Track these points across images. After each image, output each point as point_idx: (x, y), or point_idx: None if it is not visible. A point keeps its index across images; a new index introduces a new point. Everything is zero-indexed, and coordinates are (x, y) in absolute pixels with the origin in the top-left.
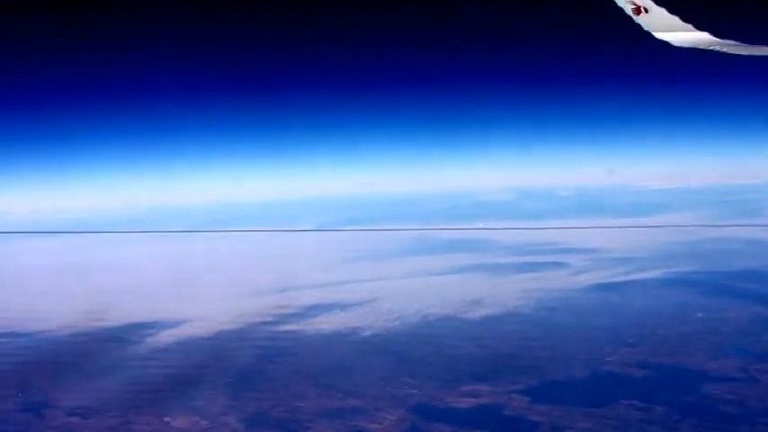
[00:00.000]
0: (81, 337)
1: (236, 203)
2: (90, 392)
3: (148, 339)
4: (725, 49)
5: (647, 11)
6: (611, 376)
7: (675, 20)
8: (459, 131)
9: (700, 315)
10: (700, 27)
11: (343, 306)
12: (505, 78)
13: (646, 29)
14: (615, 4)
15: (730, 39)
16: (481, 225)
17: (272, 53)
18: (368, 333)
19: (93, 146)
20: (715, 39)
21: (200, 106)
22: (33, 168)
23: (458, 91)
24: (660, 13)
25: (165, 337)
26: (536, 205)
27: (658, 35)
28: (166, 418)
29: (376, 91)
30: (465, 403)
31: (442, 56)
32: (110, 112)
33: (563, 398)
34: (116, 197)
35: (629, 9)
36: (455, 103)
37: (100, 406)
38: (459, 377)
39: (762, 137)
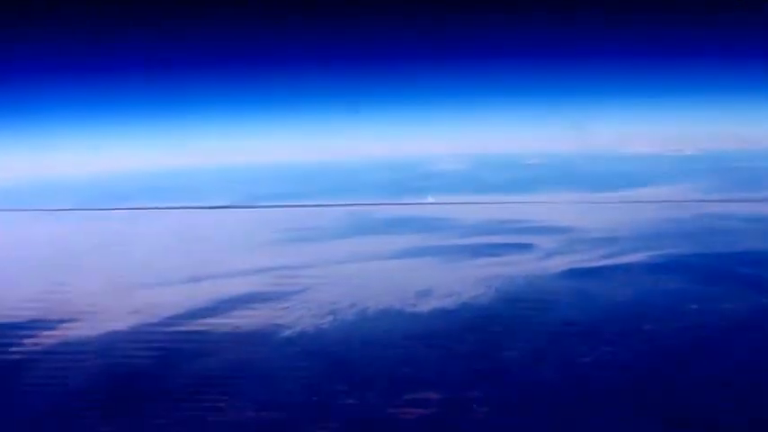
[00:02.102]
0: None
1: (133, 175)
2: None
3: (27, 342)
4: None
5: None
6: (586, 381)
7: None
8: (402, 87)
9: (694, 307)
10: None
11: (264, 298)
12: (458, 22)
13: None
14: None
15: None
16: (431, 200)
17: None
18: (294, 331)
19: None
20: None
21: (88, 65)
22: None
23: (400, 38)
24: None
25: (46, 338)
26: (497, 176)
27: None
28: None
29: (305, 43)
30: (411, 414)
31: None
32: None
33: (528, 408)
34: None
35: None
36: (397, 53)
37: None
38: (404, 383)
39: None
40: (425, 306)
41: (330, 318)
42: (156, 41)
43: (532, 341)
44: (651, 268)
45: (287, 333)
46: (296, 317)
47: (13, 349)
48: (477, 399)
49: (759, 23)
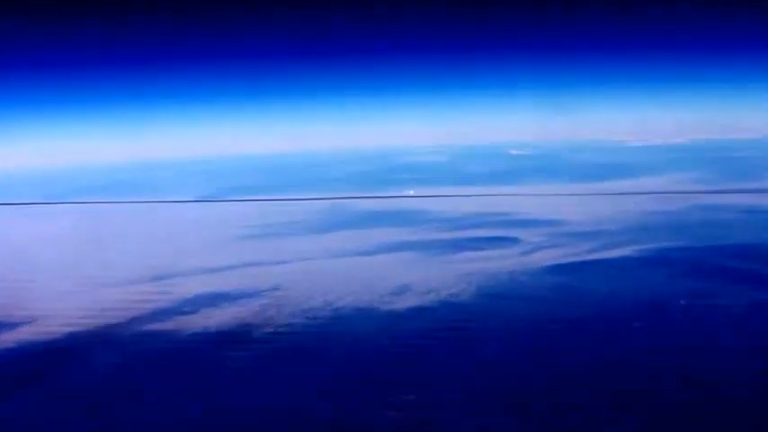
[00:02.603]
0: None
1: (96, 168)
2: None
3: None
4: None
5: None
6: (571, 381)
7: None
8: (380, 74)
9: (683, 303)
10: None
11: (233, 297)
12: (438, 8)
13: None
14: None
15: None
16: (411, 192)
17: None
18: (265, 332)
19: None
20: None
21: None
22: None
23: (377, 24)
24: None
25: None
26: (480, 167)
27: None
28: None
29: (279, 32)
30: (388, 418)
31: None
32: None
33: (509, 410)
34: None
35: None
36: (374, 40)
37: None
38: (380, 385)
39: (761, 84)
40: (402, 304)
41: (303, 318)
42: (116, 31)
43: (516, 340)
44: (640, 263)
45: (258, 333)
46: (266, 317)
47: None
48: (456, 400)
49: (750, 11)
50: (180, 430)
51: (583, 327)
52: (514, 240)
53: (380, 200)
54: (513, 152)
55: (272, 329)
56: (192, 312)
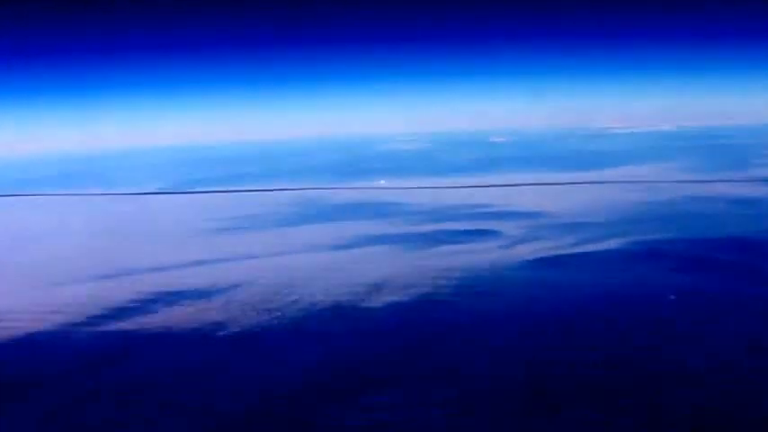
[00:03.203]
0: None
1: (46, 159)
2: None
3: None
4: None
5: None
6: (554, 380)
7: None
8: (352, 58)
9: (672, 298)
10: None
11: (198, 294)
12: None
13: None
14: None
15: None
16: (384, 183)
17: None
18: (231, 330)
19: None
20: None
21: None
22: None
23: (353, 7)
24: None
25: None
26: (459, 156)
27: None
28: None
29: (246, 14)
30: (362, 420)
31: None
32: None
33: (490, 411)
34: None
35: None
36: (345, 20)
37: None
38: (354, 386)
39: (753, 68)
40: (377, 300)
41: (272, 315)
42: (68, 17)
43: (498, 339)
44: (625, 256)
45: (222, 333)
46: (233, 315)
47: None
48: (435, 402)
49: None
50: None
51: (568, 324)
52: (495, 233)
53: (354, 191)
54: (494, 140)
55: (237, 329)
56: (152, 311)
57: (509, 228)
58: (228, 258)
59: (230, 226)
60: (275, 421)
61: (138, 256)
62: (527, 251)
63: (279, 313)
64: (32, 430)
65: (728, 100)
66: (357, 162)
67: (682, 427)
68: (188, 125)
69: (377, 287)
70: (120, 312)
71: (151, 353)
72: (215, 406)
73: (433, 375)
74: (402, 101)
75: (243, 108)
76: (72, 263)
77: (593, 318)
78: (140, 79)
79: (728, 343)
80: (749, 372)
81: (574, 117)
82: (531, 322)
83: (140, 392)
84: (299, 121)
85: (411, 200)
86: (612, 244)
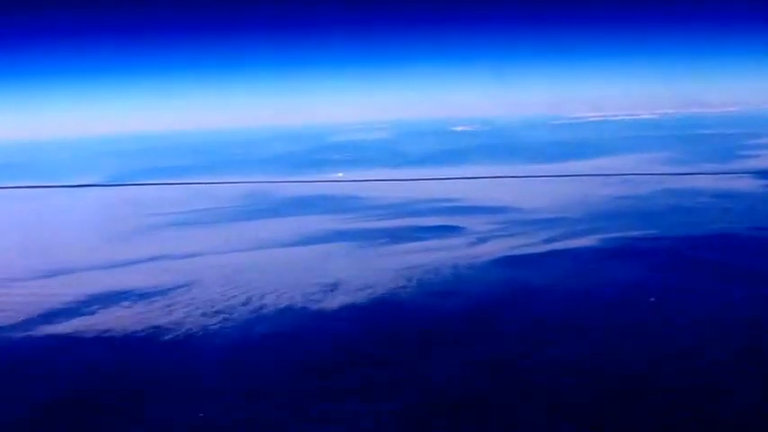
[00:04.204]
0: None
1: None
2: None
3: None
4: None
5: None
6: (526, 389)
7: None
8: (305, 40)
9: (652, 300)
10: None
11: (139, 295)
12: None
13: None
14: None
15: None
16: (341, 175)
17: None
18: (175, 335)
19: None
20: None
21: None
22: None
23: None
24: None
25: None
26: (421, 146)
27: None
28: None
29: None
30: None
31: None
32: None
33: (455, 423)
34: None
35: None
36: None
37: None
38: (307, 394)
39: (739, 53)
40: (333, 302)
41: (219, 318)
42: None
43: (460, 342)
44: (600, 254)
45: (168, 336)
46: (179, 317)
47: None
48: (393, 411)
49: None
50: None
51: (538, 328)
52: (460, 230)
53: (309, 184)
54: (458, 129)
55: (183, 332)
56: (93, 313)
57: (474, 224)
58: (173, 256)
59: (174, 221)
60: (219, 429)
61: (74, 253)
62: (494, 249)
63: (225, 316)
64: None
65: (712, 86)
66: (312, 153)
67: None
68: (128, 113)
69: (332, 288)
70: (53, 315)
71: (83, 362)
72: (157, 414)
73: (390, 384)
74: (360, 87)
75: (187, 94)
76: (4, 261)
77: (564, 322)
78: (78, 63)
79: (714, 348)
80: (737, 379)
81: (544, 104)
82: (497, 326)
83: (77, 401)
84: (248, 108)
85: (370, 194)
86: (586, 242)
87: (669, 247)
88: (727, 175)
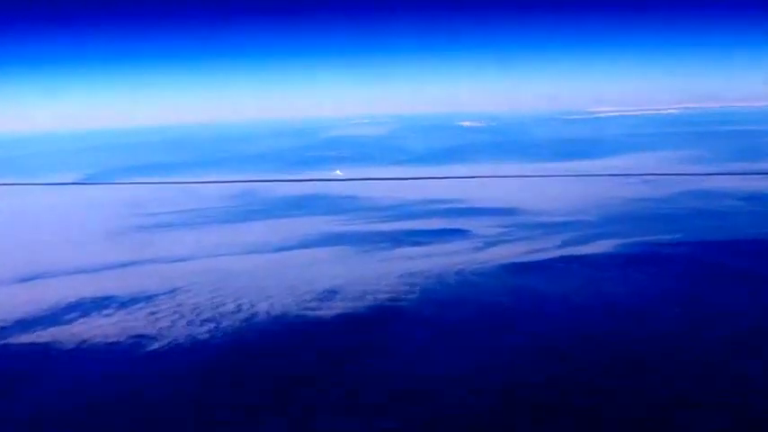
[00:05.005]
0: None
1: None
2: None
3: None
4: None
5: None
6: (538, 407)
7: None
8: (301, 29)
9: (676, 311)
10: None
11: (122, 302)
12: None
13: None
14: None
15: None
16: (338, 173)
17: None
18: (160, 345)
19: None
20: None
21: None
22: None
23: None
24: None
25: None
26: (424, 143)
27: None
28: None
29: None
30: None
31: None
32: None
33: None
34: None
35: None
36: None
37: None
38: (304, 409)
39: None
40: (329, 311)
41: (207, 327)
42: None
43: (467, 355)
44: (619, 261)
45: (153, 346)
46: (164, 325)
47: None
48: (395, 429)
49: None
50: None
51: (548, 343)
52: (465, 233)
53: (304, 183)
54: (465, 124)
55: (168, 342)
56: (71, 321)
57: (481, 227)
58: (158, 260)
59: (160, 222)
60: None
61: (52, 256)
62: (502, 255)
63: (213, 325)
64: None
65: (738, 79)
66: (306, 149)
67: None
68: (110, 106)
69: (328, 295)
70: (31, 323)
71: (62, 373)
72: (140, 428)
73: (392, 400)
74: (358, 78)
75: (171, 85)
76: None
77: (579, 331)
78: (58, 53)
79: (741, 364)
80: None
81: (557, 98)
82: (505, 340)
83: (52, 415)
84: (237, 100)
85: (369, 193)
86: (603, 247)
87: (692, 253)
88: (756, 176)
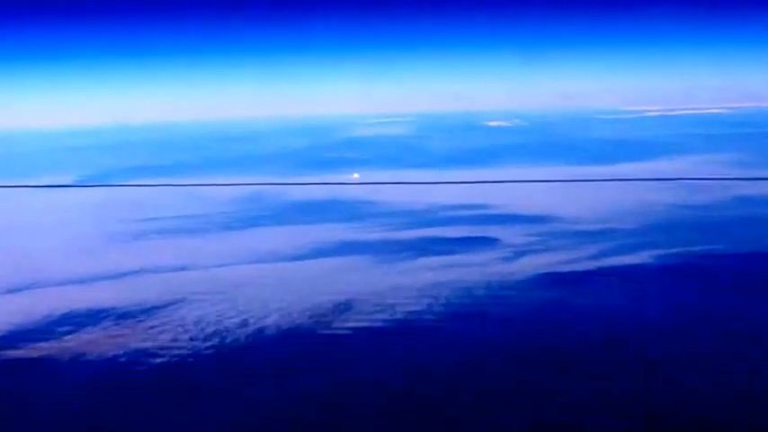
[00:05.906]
0: None
1: None
2: None
3: None
4: None
5: None
6: (569, 430)
7: None
8: (321, 25)
9: (722, 328)
10: None
11: (120, 314)
12: None
13: None
14: None
15: None
16: (356, 176)
17: None
18: (161, 360)
19: None
20: None
21: None
22: None
23: None
24: None
25: None
26: (448, 144)
27: None
28: None
29: None
30: None
31: None
32: None
33: None
34: None
35: None
36: None
37: None
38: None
39: None
40: (344, 324)
41: (213, 341)
42: None
43: (495, 373)
44: (661, 274)
45: (154, 362)
46: (163, 341)
47: None
48: None
49: None
50: None
51: (583, 357)
52: (493, 242)
53: (319, 186)
54: (492, 124)
55: (172, 356)
56: (64, 334)
57: (511, 235)
58: (160, 269)
59: (162, 228)
60: None
61: (46, 264)
62: (533, 265)
63: (218, 340)
64: None
65: None
66: (321, 150)
67: None
68: (109, 101)
69: (344, 308)
70: (21, 336)
71: (54, 391)
72: None
73: (412, 422)
74: (378, 74)
75: (177, 79)
76: None
77: (616, 348)
78: (55, 48)
79: None
80: None
81: (593, 96)
82: (536, 359)
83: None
84: (248, 96)
85: (389, 198)
86: (641, 258)
87: (740, 265)
88: None
